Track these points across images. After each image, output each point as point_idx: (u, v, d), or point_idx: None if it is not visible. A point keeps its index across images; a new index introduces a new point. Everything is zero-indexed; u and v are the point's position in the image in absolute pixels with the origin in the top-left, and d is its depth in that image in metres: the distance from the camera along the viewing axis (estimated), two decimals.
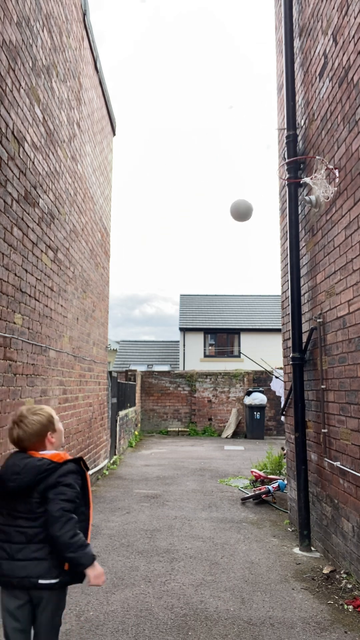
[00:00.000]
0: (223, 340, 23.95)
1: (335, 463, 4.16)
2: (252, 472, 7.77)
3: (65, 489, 2.13)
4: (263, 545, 4.79)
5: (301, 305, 5.14)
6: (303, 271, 5.20)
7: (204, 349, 23.67)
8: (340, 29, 4.22)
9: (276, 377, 9.25)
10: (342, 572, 3.95)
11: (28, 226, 4.72)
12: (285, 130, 5.33)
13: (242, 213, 5.65)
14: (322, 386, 4.54)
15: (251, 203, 5.71)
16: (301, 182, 5.08)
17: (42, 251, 5.16)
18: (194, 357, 23.31)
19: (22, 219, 4.56)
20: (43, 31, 5.15)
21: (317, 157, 4.75)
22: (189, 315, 24.75)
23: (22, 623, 2.13)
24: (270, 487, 6.62)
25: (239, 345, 23.35)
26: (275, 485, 6.71)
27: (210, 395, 16.75)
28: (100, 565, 4.39)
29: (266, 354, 18.51)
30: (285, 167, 5.26)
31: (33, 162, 4.86)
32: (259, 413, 14.95)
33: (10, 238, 4.26)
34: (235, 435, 15.76)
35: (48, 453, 2.24)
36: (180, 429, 16.25)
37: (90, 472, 7.33)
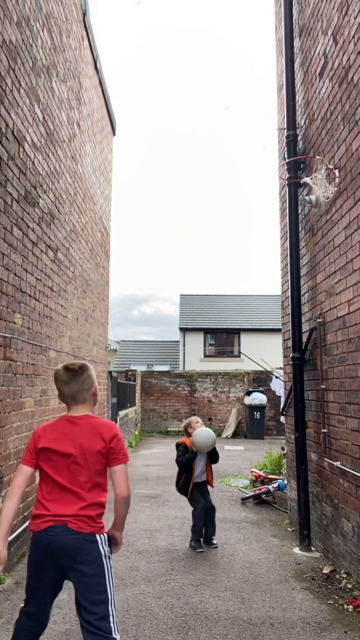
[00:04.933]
0: (223, 340, 23.95)
1: (335, 463, 4.16)
2: (252, 472, 7.77)
3: None
4: (263, 545, 4.78)
5: (301, 305, 5.14)
6: (303, 271, 5.20)
7: (204, 349, 23.67)
8: (340, 28, 4.22)
9: (276, 377, 9.25)
10: (342, 572, 3.95)
11: (28, 226, 4.72)
12: (285, 130, 5.33)
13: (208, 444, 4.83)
14: (322, 386, 4.54)
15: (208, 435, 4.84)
16: (301, 182, 5.07)
17: (42, 251, 5.16)
18: (194, 357, 23.31)
19: (22, 219, 4.56)
20: (43, 31, 5.15)
21: (317, 157, 4.75)
22: (189, 315, 24.74)
23: None
24: (270, 487, 6.62)
25: (239, 345, 23.35)
26: (275, 485, 6.70)
27: (210, 395, 16.75)
28: None
29: (266, 354, 18.51)
30: (285, 167, 5.26)
31: (33, 162, 4.86)
32: (259, 413, 14.95)
33: (10, 238, 4.26)
34: (236, 435, 15.77)
35: None
36: (180, 429, 16.24)
37: None
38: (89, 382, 2.33)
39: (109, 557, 2.21)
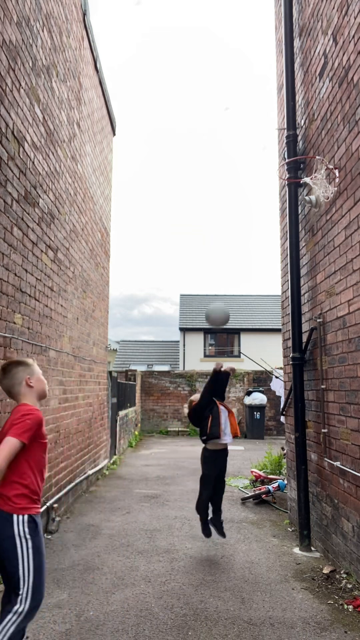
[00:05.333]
0: (223, 340, 23.95)
1: (335, 463, 4.16)
2: (252, 472, 7.77)
3: None
4: (263, 545, 4.78)
5: (301, 305, 5.14)
6: (303, 271, 5.20)
7: (204, 349, 23.67)
8: (340, 28, 4.22)
9: (276, 377, 9.25)
10: (342, 572, 3.95)
11: (28, 226, 4.72)
12: (285, 130, 5.33)
13: (218, 320, 4.81)
14: (322, 386, 4.54)
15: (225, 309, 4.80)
16: (301, 182, 5.07)
17: (42, 251, 5.16)
18: (194, 357, 23.31)
19: (22, 219, 4.56)
20: (43, 31, 5.15)
21: (317, 157, 4.75)
22: (189, 315, 24.74)
23: None
24: (270, 487, 6.62)
25: (239, 345, 23.34)
26: (275, 485, 6.71)
27: None
28: (100, 565, 4.39)
29: (266, 354, 18.50)
30: (285, 167, 5.26)
31: (33, 162, 4.86)
32: (259, 413, 14.95)
33: (10, 238, 4.26)
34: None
35: None
36: (180, 429, 16.25)
37: (90, 472, 7.34)
38: (18, 377, 2.60)
39: (25, 539, 2.37)
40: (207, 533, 4.69)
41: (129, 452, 11.74)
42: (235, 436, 4.71)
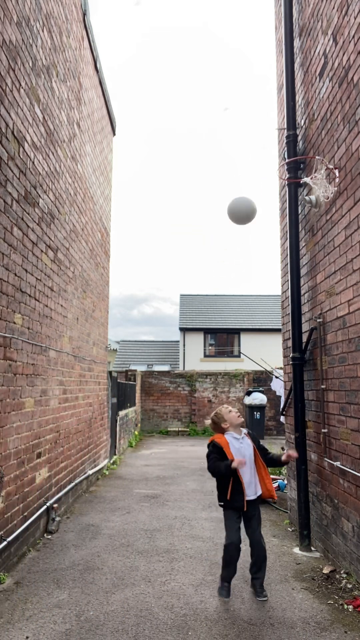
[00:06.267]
0: (223, 340, 23.95)
1: (335, 463, 4.16)
2: None
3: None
4: None
5: (301, 305, 5.14)
6: (303, 271, 5.20)
7: (204, 349, 23.67)
8: (340, 28, 4.22)
9: (276, 377, 9.26)
10: (342, 572, 3.95)
11: (28, 226, 4.72)
12: (285, 130, 5.33)
13: (242, 216, 4.44)
14: (322, 386, 4.54)
15: (252, 202, 4.52)
16: (301, 182, 5.07)
17: (42, 251, 5.16)
18: (194, 357, 23.31)
19: (22, 219, 4.56)
20: (43, 31, 5.15)
21: (317, 157, 4.75)
22: (189, 315, 24.75)
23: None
24: None
25: (239, 345, 23.35)
26: (275, 485, 6.71)
27: (210, 395, 16.75)
28: (100, 565, 4.38)
29: (266, 354, 18.51)
30: (285, 167, 5.26)
31: (33, 162, 4.86)
32: (259, 413, 14.95)
33: (10, 238, 4.26)
34: None
35: None
36: (180, 429, 16.25)
37: (90, 472, 7.34)
38: None
39: None
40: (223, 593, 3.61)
41: (129, 452, 11.74)
42: (270, 497, 3.72)
